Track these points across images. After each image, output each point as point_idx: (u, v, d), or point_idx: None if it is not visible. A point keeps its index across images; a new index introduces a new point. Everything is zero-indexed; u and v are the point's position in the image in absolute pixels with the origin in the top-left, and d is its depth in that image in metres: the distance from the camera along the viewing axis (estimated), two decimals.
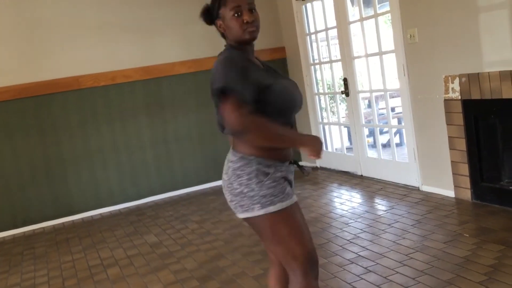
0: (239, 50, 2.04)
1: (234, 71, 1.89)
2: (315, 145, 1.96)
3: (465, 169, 4.11)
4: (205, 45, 5.85)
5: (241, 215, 2.01)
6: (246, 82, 1.87)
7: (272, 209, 1.95)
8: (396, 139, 6.97)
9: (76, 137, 5.58)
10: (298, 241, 1.98)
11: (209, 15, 2.07)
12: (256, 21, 2.02)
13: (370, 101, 5.82)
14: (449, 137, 4.21)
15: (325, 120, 6.20)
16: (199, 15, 2.09)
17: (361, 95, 5.50)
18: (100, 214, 5.62)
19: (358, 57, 5.39)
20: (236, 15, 1.98)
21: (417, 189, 4.66)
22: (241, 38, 2.01)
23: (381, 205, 4.51)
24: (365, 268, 3.20)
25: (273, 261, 2.29)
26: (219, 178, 7.08)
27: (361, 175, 5.52)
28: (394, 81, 5.09)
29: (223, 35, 2.09)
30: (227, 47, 2.08)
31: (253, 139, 1.89)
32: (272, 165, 1.98)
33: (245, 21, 1.98)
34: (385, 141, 6.78)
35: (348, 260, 3.36)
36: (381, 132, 6.47)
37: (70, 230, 5.17)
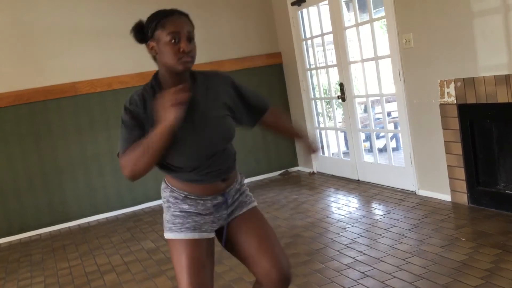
0: (167, 76, 1.93)
1: (121, 129, 1.93)
2: (164, 103, 1.80)
3: (461, 173, 4.12)
4: (202, 50, 5.79)
5: None
6: (123, 139, 1.91)
7: (167, 235, 2.06)
8: (393, 144, 6.99)
9: (72, 143, 5.57)
10: (180, 276, 2.00)
11: (142, 33, 1.95)
12: (192, 52, 1.90)
13: (366, 106, 5.83)
14: (445, 141, 4.22)
15: (322, 125, 6.21)
16: (130, 31, 1.96)
17: (357, 100, 5.51)
18: (97, 220, 5.61)
19: (354, 62, 5.41)
20: (173, 41, 1.86)
21: (413, 194, 4.67)
22: (174, 67, 1.89)
23: (378, 209, 4.51)
24: (363, 273, 3.19)
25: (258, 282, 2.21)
26: None
27: (358, 180, 5.53)
28: (390, 86, 5.11)
29: (154, 58, 1.96)
30: (154, 74, 1.99)
31: (128, 169, 1.88)
32: (181, 197, 2.04)
33: (181, 50, 1.86)
34: (381, 146, 6.79)
35: (345, 265, 3.36)
36: (378, 137, 6.49)
37: (67, 236, 5.15)
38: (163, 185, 2.12)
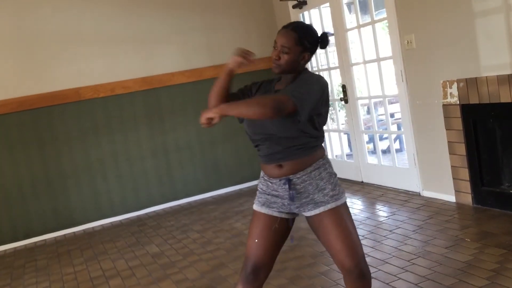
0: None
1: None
2: (236, 54, 2.28)
3: (465, 173, 4.11)
4: (204, 54, 5.87)
5: None
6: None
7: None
8: (396, 145, 6.97)
9: (76, 148, 5.59)
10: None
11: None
12: (280, 61, 2.35)
13: (369, 107, 5.83)
14: (448, 142, 4.21)
15: (325, 127, 6.20)
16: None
17: (360, 101, 5.51)
18: (101, 225, 5.62)
19: (356, 63, 5.41)
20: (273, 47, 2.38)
21: (418, 195, 4.66)
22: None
23: (382, 211, 4.51)
24: None
25: None
26: (220, 187, 7.04)
27: (362, 182, 5.52)
28: (392, 87, 5.10)
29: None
30: None
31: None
32: (262, 176, 2.33)
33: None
34: (385, 147, 6.78)
35: None
36: (381, 138, 6.48)
37: (72, 242, 5.16)
38: None
